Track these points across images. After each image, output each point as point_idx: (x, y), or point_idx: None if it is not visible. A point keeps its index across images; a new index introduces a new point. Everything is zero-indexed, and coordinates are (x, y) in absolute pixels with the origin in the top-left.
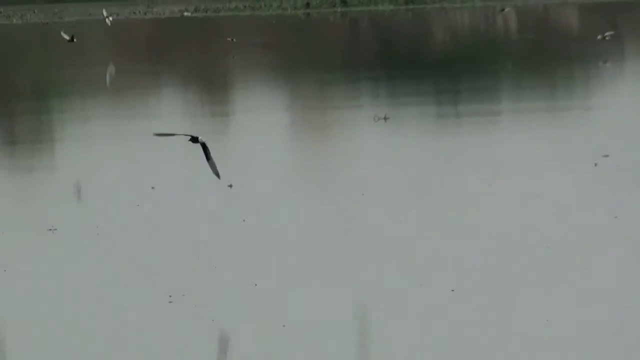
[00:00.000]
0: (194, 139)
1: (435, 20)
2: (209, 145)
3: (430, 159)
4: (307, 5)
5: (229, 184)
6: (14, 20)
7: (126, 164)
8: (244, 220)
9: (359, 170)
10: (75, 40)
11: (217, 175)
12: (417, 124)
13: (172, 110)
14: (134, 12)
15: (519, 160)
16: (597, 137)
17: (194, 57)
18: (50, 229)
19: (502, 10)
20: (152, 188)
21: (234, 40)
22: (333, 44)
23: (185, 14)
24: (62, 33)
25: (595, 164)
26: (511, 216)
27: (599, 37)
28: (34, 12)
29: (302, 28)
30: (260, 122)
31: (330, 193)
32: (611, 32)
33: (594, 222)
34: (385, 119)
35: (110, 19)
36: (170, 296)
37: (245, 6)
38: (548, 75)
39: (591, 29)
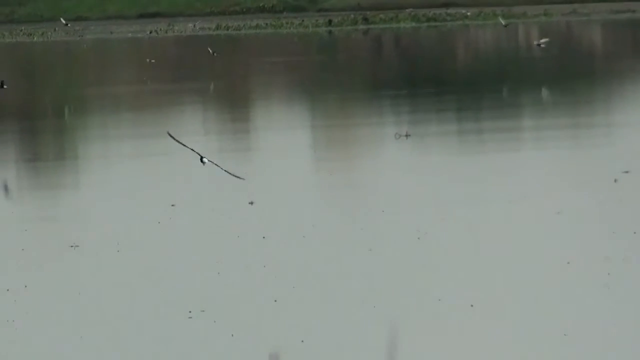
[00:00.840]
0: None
1: (457, 37)
2: (232, 162)
3: (452, 176)
4: (330, 22)
5: (250, 201)
6: (35, 38)
7: (146, 181)
8: (263, 238)
9: (381, 187)
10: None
11: (237, 176)
12: (438, 141)
13: (194, 128)
14: (156, 31)
15: (539, 177)
16: (617, 153)
17: (215, 75)
18: (72, 246)
19: (540, 42)
20: (172, 205)
21: (261, 59)
22: (355, 61)
23: (208, 32)
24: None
25: (616, 180)
26: (532, 233)
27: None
28: (54, 30)
29: (325, 46)
30: (282, 140)
31: (352, 210)
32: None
33: (614, 239)
34: (406, 136)
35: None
36: (190, 312)
37: (267, 24)
38: (570, 92)
39: (614, 45)
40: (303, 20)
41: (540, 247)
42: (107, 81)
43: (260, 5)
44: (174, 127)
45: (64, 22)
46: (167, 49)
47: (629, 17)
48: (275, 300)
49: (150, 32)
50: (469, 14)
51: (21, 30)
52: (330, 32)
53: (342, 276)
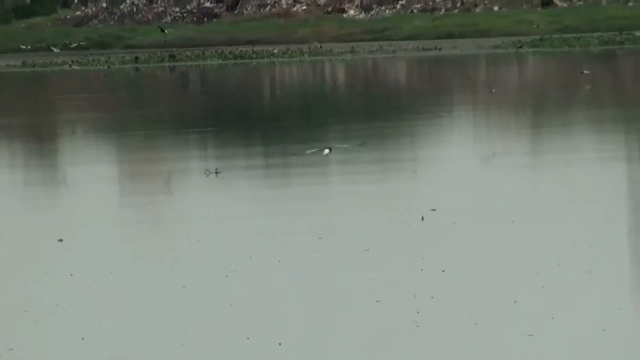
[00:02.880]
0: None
1: (264, 74)
2: (37, 196)
3: (260, 210)
4: (136, 59)
5: (59, 238)
6: None
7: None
8: (71, 275)
9: (190, 223)
10: None
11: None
12: (247, 176)
13: (0, 162)
14: None
15: (347, 212)
16: (425, 190)
17: (23, 111)
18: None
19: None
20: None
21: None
22: (162, 97)
23: (13, 69)
24: None
25: (423, 218)
26: (340, 269)
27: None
28: None
29: (131, 82)
30: (89, 174)
31: (161, 247)
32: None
33: (422, 276)
34: (216, 173)
35: None
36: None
37: (73, 61)
38: (376, 127)
39: (420, 82)
40: (110, 57)
41: (350, 285)
42: None
43: (66, 42)
44: None
45: None
46: None
47: (436, 54)
48: (83, 339)
49: None
50: (275, 51)
51: None
52: (137, 69)
53: (149, 314)
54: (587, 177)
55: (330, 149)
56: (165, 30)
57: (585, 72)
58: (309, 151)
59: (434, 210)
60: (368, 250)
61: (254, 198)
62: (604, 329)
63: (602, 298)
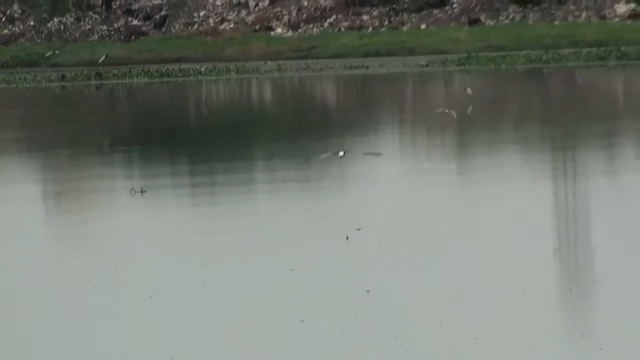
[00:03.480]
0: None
1: (190, 91)
2: None
3: (188, 229)
4: (63, 77)
5: None
6: None
7: None
8: None
9: (115, 243)
10: None
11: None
12: (173, 195)
13: None
14: None
15: (273, 232)
16: (350, 209)
17: None
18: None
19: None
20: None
21: None
22: (88, 116)
23: None
24: None
25: (347, 238)
26: (265, 289)
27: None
28: None
29: (58, 100)
30: (13, 193)
31: (86, 266)
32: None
33: (346, 296)
34: (142, 192)
35: None
36: None
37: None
38: (302, 146)
39: (346, 100)
40: (36, 76)
41: (274, 305)
42: None
43: None
44: None
45: None
46: None
47: (362, 72)
48: None
49: None
50: (202, 69)
51: None
52: (63, 87)
53: (71, 334)
54: (512, 196)
55: (344, 152)
56: (104, 57)
57: (468, 90)
58: (323, 155)
59: (359, 229)
60: (293, 270)
61: (179, 217)
62: (529, 349)
63: (527, 318)
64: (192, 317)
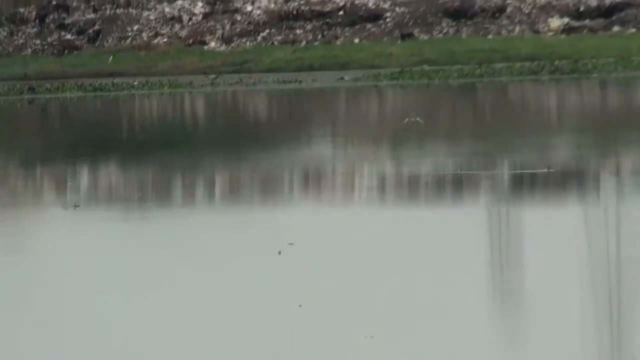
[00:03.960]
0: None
1: (122, 105)
2: None
3: (119, 245)
4: None
5: None
6: None
7: None
8: None
9: (44, 257)
10: None
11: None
12: (107, 210)
13: None
14: None
15: (201, 249)
16: (282, 224)
17: None
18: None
19: None
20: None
21: None
22: (22, 130)
23: None
24: None
25: (280, 252)
26: (191, 307)
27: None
28: None
29: None
30: None
31: (15, 285)
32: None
33: (277, 311)
34: (75, 206)
35: None
36: None
37: None
38: (234, 161)
39: (280, 114)
40: None
41: (203, 321)
42: None
43: None
44: None
45: None
46: None
47: (295, 86)
48: None
49: None
50: (135, 83)
51: None
52: None
53: None
54: (444, 219)
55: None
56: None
57: (418, 120)
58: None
59: (292, 244)
60: (223, 286)
61: (110, 232)
62: None
63: (460, 333)
64: (111, 337)
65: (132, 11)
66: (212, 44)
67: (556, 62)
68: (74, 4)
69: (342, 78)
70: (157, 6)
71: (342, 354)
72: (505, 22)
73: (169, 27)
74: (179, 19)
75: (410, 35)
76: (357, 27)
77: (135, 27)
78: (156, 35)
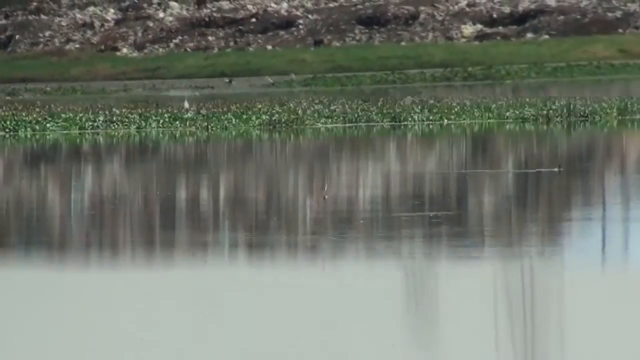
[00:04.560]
0: None
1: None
2: None
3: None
4: None
5: None
6: None
7: None
8: None
9: None
10: None
11: None
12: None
13: None
14: None
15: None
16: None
17: None
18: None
19: None
20: None
21: None
22: None
23: None
24: None
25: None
26: (158, 324)
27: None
28: None
29: None
30: None
31: None
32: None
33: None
34: None
35: None
36: None
37: None
38: (175, 173)
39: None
40: None
41: (178, 330)
42: None
43: None
44: None
45: None
46: None
47: (209, 92)
48: None
49: None
50: (48, 88)
51: None
52: None
53: None
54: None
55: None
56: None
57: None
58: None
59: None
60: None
61: None
62: None
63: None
64: None
65: (44, 17)
66: (125, 50)
67: (469, 69)
68: None
69: (272, 83)
70: (69, 12)
71: None
72: (418, 29)
73: (81, 33)
74: (91, 25)
75: (322, 42)
76: (270, 34)
77: (47, 33)
78: (68, 41)
